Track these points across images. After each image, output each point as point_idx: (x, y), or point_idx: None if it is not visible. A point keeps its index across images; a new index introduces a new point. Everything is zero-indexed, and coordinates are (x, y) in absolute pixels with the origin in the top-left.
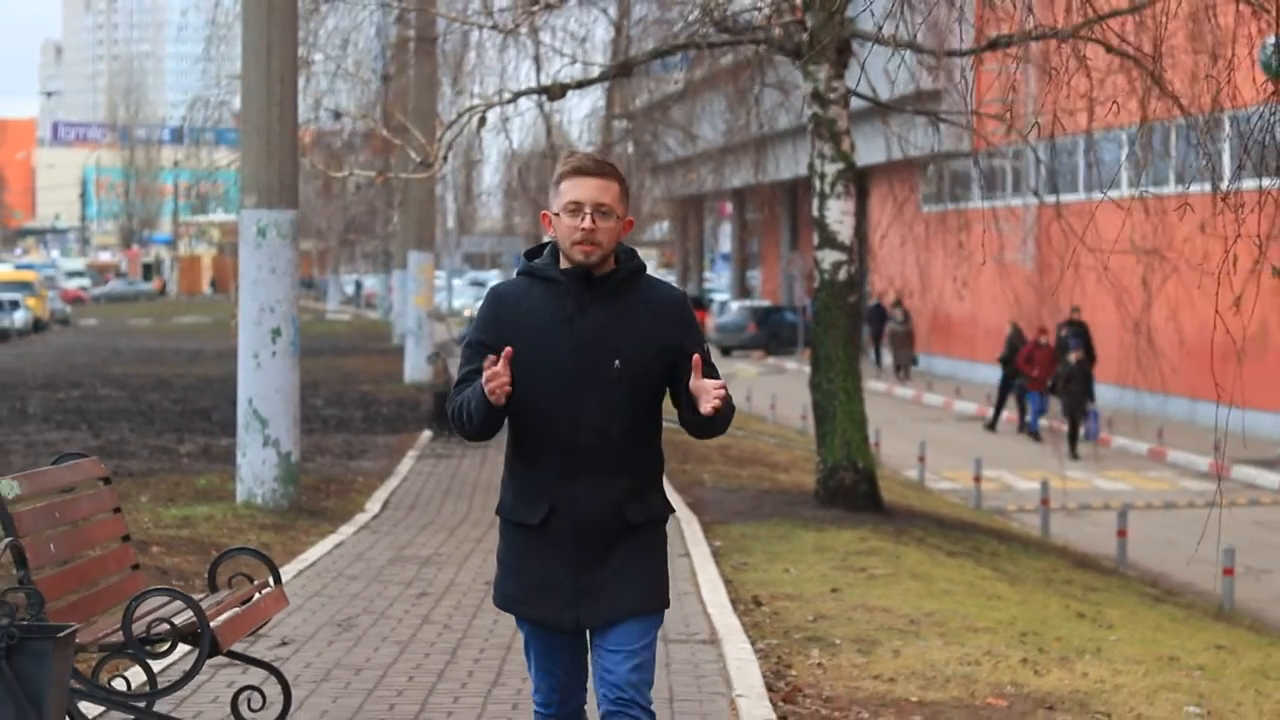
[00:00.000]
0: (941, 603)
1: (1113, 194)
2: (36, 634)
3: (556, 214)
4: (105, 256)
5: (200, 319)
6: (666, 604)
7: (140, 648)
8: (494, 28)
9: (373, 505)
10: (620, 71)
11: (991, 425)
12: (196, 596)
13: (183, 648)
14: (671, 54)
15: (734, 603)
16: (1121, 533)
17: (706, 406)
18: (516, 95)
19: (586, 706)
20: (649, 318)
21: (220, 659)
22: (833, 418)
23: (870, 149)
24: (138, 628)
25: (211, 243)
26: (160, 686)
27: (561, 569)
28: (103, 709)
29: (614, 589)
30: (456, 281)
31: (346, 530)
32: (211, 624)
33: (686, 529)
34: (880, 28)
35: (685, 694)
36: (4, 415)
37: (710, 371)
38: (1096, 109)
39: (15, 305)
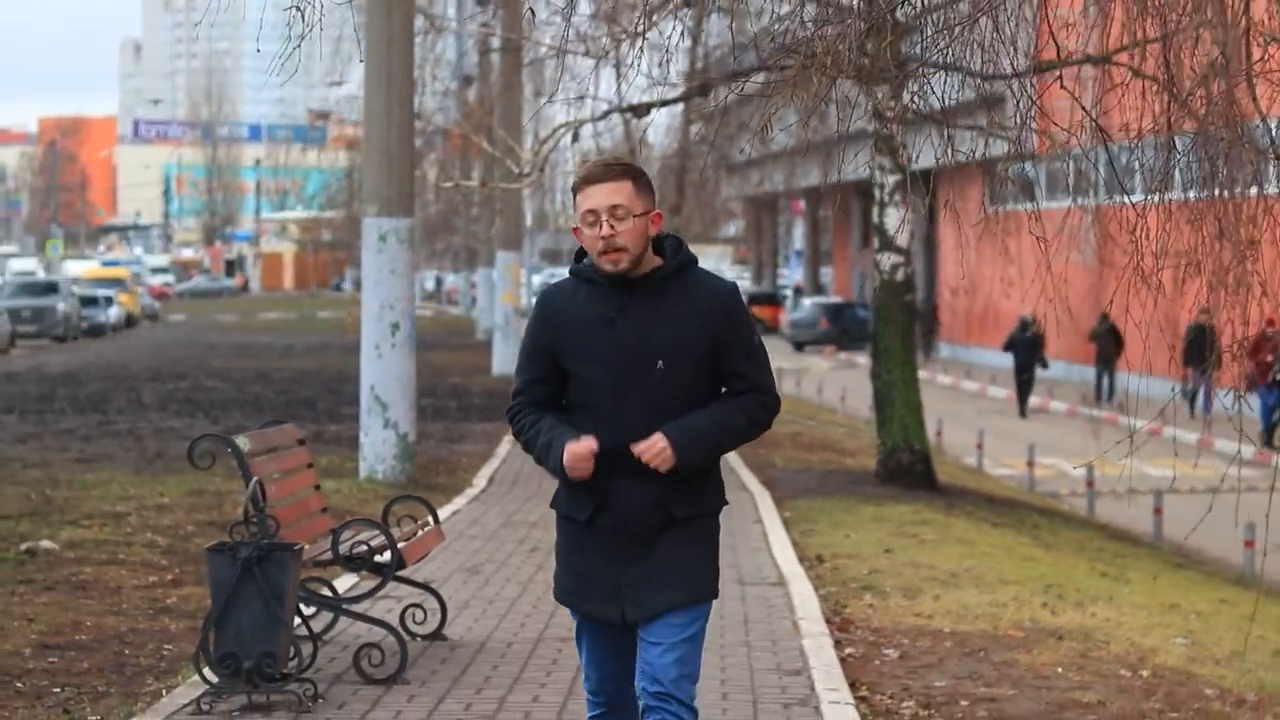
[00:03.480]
0: (980, 562)
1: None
2: (279, 549)
3: (578, 228)
4: (188, 253)
5: (285, 315)
6: (714, 594)
7: (345, 562)
8: (586, 54)
9: (479, 481)
10: (699, 92)
11: (1022, 412)
12: None
13: (354, 578)
14: (745, 76)
15: (800, 559)
16: (1157, 510)
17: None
18: (606, 113)
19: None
20: (694, 314)
21: (360, 606)
22: (892, 404)
23: (936, 151)
24: (342, 549)
25: (293, 239)
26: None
27: (606, 564)
28: (313, 610)
29: (655, 581)
30: (536, 278)
31: (460, 501)
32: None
33: (760, 501)
34: (930, 52)
35: (757, 618)
36: (125, 405)
37: (751, 366)
38: (1131, 125)
39: (110, 301)
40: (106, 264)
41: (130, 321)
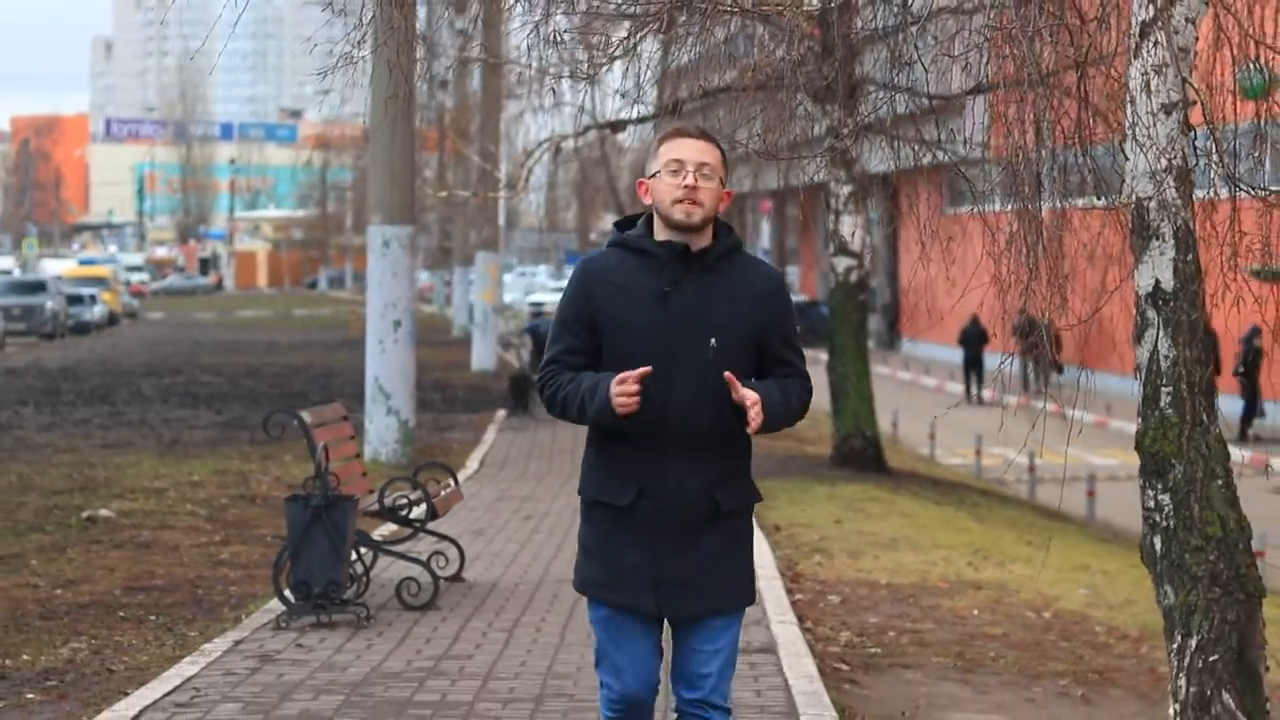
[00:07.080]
0: (918, 531)
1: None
2: (340, 499)
3: (655, 175)
4: (162, 251)
5: (262, 312)
6: (753, 598)
7: (389, 513)
8: (570, 76)
9: (471, 463)
10: (670, 110)
11: (969, 398)
12: None
13: (391, 526)
14: (713, 96)
15: (759, 526)
16: (1090, 493)
17: (749, 427)
18: (586, 129)
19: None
20: (746, 296)
21: (398, 549)
22: (845, 395)
23: (898, 157)
24: (385, 502)
25: (266, 238)
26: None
27: (644, 553)
28: (363, 551)
29: (701, 583)
30: (507, 277)
31: None
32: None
33: None
34: (883, 88)
35: None
36: (129, 398)
37: (795, 355)
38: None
39: (93, 300)
40: (84, 262)
41: (113, 319)
